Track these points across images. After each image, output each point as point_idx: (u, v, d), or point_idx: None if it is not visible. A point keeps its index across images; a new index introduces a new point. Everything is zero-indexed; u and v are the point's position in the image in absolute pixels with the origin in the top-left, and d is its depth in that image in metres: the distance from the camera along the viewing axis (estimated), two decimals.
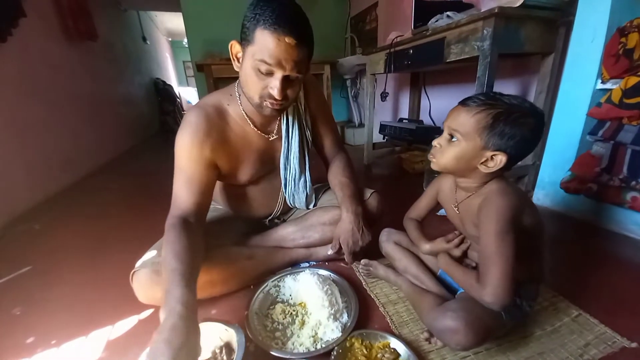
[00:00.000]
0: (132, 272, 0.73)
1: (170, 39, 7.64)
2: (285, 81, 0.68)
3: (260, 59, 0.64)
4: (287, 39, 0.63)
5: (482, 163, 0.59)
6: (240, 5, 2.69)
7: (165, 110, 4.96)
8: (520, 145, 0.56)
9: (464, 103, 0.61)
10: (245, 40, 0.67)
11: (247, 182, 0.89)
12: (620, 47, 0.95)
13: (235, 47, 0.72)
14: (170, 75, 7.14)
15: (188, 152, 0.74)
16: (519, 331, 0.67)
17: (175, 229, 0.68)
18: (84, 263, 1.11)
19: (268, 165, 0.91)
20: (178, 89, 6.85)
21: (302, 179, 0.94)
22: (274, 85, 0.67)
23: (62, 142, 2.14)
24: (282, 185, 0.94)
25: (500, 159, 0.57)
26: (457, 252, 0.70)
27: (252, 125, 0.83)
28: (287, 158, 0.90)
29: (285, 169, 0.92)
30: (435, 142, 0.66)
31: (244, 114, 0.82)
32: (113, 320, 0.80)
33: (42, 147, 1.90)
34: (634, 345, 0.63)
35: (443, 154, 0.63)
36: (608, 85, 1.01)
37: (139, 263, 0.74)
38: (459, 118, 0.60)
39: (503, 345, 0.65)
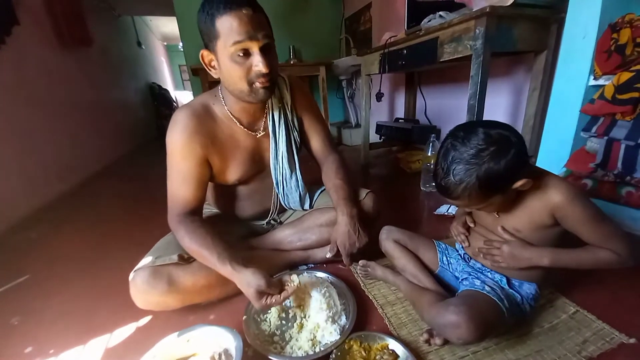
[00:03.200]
0: (130, 277, 0.73)
1: (165, 43, 7.63)
2: (264, 52, 0.69)
3: (232, 43, 0.66)
4: (244, 11, 0.65)
5: (513, 190, 0.58)
6: None
7: (162, 114, 4.96)
8: (514, 158, 0.53)
9: (447, 195, 0.60)
10: (211, 42, 0.69)
11: (238, 182, 0.90)
12: (612, 43, 0.95)
13: (206, 56, 0.73)
14: (167, 80, 7.13)
15: (180, 149, 0.76)
16: (517, 330, 0.67)
17: (186, 224, 0.74)
18: (81, 271, 1.10)
19: (258, 164, 0.91)
20: (174, 93, 6.85)
21: (294, 179, 0.95)
22: (257, 61, 0.68)
23: (59, 149, 2.14)
24: (275, 185, 0.95)
25: (520, 182, 0.56)
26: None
27: (238, 123, 0.84)
28: (276, 158, 0.92)
29: (276, 169, 0.93)
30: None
31: (230, 114, 0.83)
32: (111, 328, 0.80)
33: (40, 155, 1.90)
34: (632, 341, 0.63)
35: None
36: (601, 82, 1.02)
37: (136, 268, 0.74)
38: (463, 203, 0.61)
39: (501, 343, 0.65)
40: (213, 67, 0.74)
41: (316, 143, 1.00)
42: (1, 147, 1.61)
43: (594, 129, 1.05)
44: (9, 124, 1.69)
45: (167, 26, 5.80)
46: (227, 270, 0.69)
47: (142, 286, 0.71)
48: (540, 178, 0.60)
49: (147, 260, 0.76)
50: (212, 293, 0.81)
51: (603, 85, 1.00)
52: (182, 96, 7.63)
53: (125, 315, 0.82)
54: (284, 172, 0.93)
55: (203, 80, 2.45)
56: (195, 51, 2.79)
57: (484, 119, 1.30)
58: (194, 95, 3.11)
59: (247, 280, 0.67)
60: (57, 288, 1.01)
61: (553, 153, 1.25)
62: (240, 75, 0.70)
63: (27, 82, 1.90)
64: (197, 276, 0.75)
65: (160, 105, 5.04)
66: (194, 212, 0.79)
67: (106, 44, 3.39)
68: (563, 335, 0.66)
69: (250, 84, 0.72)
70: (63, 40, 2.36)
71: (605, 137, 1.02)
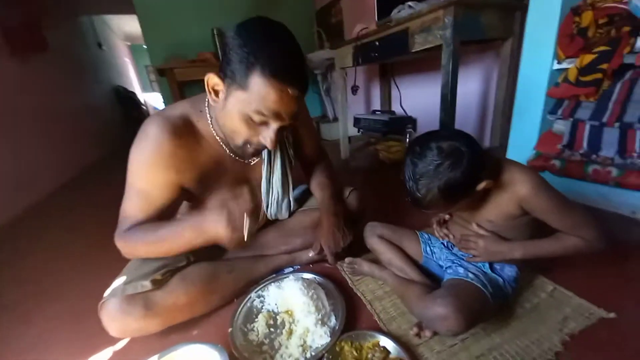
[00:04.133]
0: (100, 303, 0.66)
1: (129, 43, 7.22)
2: (279, 130, 0.61)
3: (256, 110, 0.57)
4: (290, 91, 0.56)
5: (477, 192, 0.60)
6: (199, 6, 2.60)
7: (131, 117, 4.72)
8: (468, 166, 0.56)
9: (417, 206, 0.62)
10: (232, 80, 0.58)
11: (217, 203, 0.78)
12: (575, 27, 0.99)
13: (213, 80, 0.61)
14: (133, 82, 6.77)
15: (147, 172, 0.65)
16: (502, 313, 0.69)
17: (126, 232, 0.67)
18: (53, 294, 1.02)
19: (242, 185, 0.83)
20: (143, 96, 6.53)
21: (285, 201, 0.89)
22: (268, 136, 0.61)
23: (19, 164, 1.98)
24: (264, 206, 0.88)
25: (482, 185, 0.58)
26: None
27: (227, 150, 0.74)
28: (269, 182, 0.84)
29: (268, 192, 0.85)
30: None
31: (217, 139, 0.71)
32: (87, 354, 0.74)
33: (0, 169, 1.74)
34: (612, 315, 0.65)
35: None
36: (564, 65, 1.06)
37: (107, 292, 0.67)
38: (434, 211, 0.66)
39: (488, 328, 0.66)
40: (215, 94, 0.62)
41: (308, 148, 0.95)
42: None
43: (559, 112, 1.09)
44: None
45: (129, 25, 5.47)
46: (189, 226, 0.64)
47: (116, 315, 0.63)
48: (504, 172, 0.63)
49: (120, 280, 0.69)
50: (195, 308, 0.75)
51: (567, 69, 1.04)
52: (151, 98, 7.30)
53: (101, 340, 0.75)
54: (276, 195, 0.86)
55: (170, 81, 2.33)
56: (160, 50, 2.67)
57: (456, 107, 1.33)
58: (163, 97, 2.96)
59: (214, 218, 0.61)
60: (27, 314, 0.93)
61: (523, 136, 1.29)
62: (240, 132, 0.62)
63: None
64: (176, 293, 0.69)
65: (129, 108, 4.79)
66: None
67: (63, 47, 3.15)
68: (544, 314, 0.68)
69: (246, 143, 0.65)
70: (13, 47, 2.16)
71: (571, 119, 1.06)
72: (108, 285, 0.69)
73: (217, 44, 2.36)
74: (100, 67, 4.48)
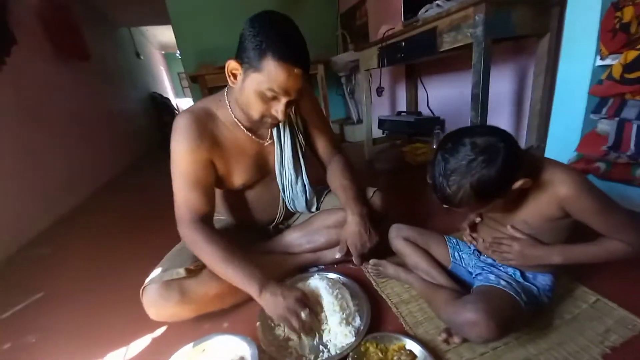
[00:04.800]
0: (141, 289, 0.73)
1: (163, 52, 7.67)
2: (288, 104, 0.72)
3: (268, 88, 0.67)
4: (295, 71, 0.66)
5: (513, 191, 0.57)
6: (227, 17, 2.72)
7: (164, 122, 5.00)
8: (504, 164, 0.53)
9: (447, 204, 0.60)
10: (247, 64, 0.68)
11: (243, 186, 0.89)
12: (616, 22, 0.92)
13: (232, 65, 0.71)
14: (167, 88, 7.17)
15: (186, 155, 0.75)
16: (538, 323, 0.66)
17: (202, 232, 0.74)
18: (95, 285, 1.12)
19: (262, 169, 0.91)
20: (175, 101, 6.89)
21: (300, 183, 0.93)
22: (279, 109, 0.71)
23: (64, 165, 2.16)
24: (281, 190, 0.94)
25: (518, 183, 0.55)
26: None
27: (244, 130, 0.84)
28: (281, 164, 0.90)
29: (281, 175, 0.91)
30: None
31: (235, 120, 0.82)
32: (127, 341, 0.80)
33: (45, 172, 1.92)
34: None
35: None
36: (607, 61, 0.99)
37: (147, 279, 0.74)
38: (465, 210, 0.62)
39: (521, 338, 0.63)
40: (234, 77, 0.73)
41: (321, 144, 0.99)
42: (11, 166, 1.63)
43: (604, 111, 1.02)
44: (15, 142, 1.71)
45: (164, 35, 5.82)
46: (249, 286, 0.71)
47: (155, 299, 0.71)
48: (544, 171, 0.59)
49: (157, 271, 0.76)
50: (224, 301, 0.80)
51: (610, 65, 0.97)
52: (183, 103, 7.68)
53: (140, 327, 0.82)
54: (289, 177, 0.92)
55: (202, 87, 2.45)
56: (193, 58, 2.81)
57: (488, 107, 1.28)
58: (194, 101, 3.12)
59: (270, 307, 0.69)
60: (71, 303, 1.02)
61: (563, 138, 1.22)
62: (256, 108, 0.72)
63: (29, 100, 1.92)
64: (208, 286, 0.75)
65: (162, 114, 5.08)
66: (206, 219, 0.78)
67: (104, 57, 3.41)
68: (584, 326, 0.64)
69: (262, 117, 0.74)
70: (61, 56, 2.38)
71: (616, 118, 0.99)
72: (146, 276, 0.75)
73: None
74: (138, 75, 4.80)
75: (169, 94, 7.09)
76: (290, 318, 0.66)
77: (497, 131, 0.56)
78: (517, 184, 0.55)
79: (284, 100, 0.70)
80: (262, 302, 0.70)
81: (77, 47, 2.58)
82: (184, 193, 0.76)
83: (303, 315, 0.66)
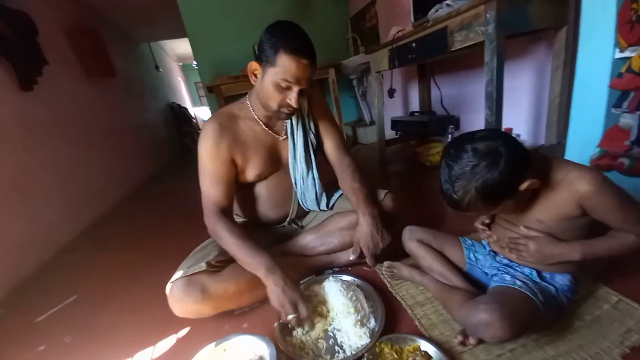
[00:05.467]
0: (167, 286, 0.79)
1: (180, 63, 7.96)
2: (299, 93, 0.82)
3: (283, 78, 0.78)
4: (304, 61, 0.77)
5: (522, 192, 0.57)
6: (241, 29, 2.81)
7: (183, 131, 5.18)
8: (506, 167, 0.53)
9: (457, 209, 0.61)
10: (264, 61, 0.80)
11: (258, 177, 0.95)
12: (633, 13, 0.89)
13: (253, 65, 0.83)
14: (184, 98, 7.43)
15: (210, 153, 0.86)
16: (557, 324, 0.64)
17: (222, 222, 0.83)
18: (123, 287, 1.19)
19: (276, 162, 0.98)
20: (193, 110, 7.12)
21: (310, 177, 0.99)
22: (292, 97, 0.81)
23: (93, 175, 2.30)
24: (293, 183, 1.00)
25: (526, 184, 0.55)
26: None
27: (262, 124, 0.94)
28: (294, 158, 0.98)
29: (294, 167, 0.98)
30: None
31: (255, 116, 0.94)
32: (154, 340, 0.85)
33: (76, 182, 2.05)
34: None
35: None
36: (627, 54, 0.95)
37: (172, 280, 0.80)
38: (475, 213, 0.65)
39: (540, 340, 0.62)
40: (255, 76, 0.85)
41: (330, 146, 1.03)
42: (46, 179, 1.76)
43: (625, 104, 0.98)
44: (49, 157, 1.84)
45: (180, 47, 6.05)
46: (257, 269, 0.78)
47: (179, 295, 0.77)
48: (556, 170, 0.59)
49: (180, 272, 0.81)
50: (243, 299, 0.85)
51: (630, 58, 0.94)
52: (200, 112, 7.93)
53: (165, 327, 0.87)
54: (301, 170, 0.98)
55: (218, 96, 2.54)
56: (209, 69, 2.92)
57: (505, 103, 1.25)
58: (211, 110, 3.23)
59: (272, 295, 0.75)
60: (103, 305, 1.09)
61: (584, 133, 1.18)
62: (274, 98, 0.82)
63: (61, 116, 2.06)
64: (227, 283, 0.81)
65: (181, 123, 5.26)
66: (226, 211, 0.87)
67: (128, 72, 3.60)
68: (606, 327, 0.62)
69: (280, 107, 0.84)
70: (90, 73, 2.55)
71: (639, 112, 0.95)
72: (170, 278, 0.80)
73: None
74: (158, 87, 5.01)
75: (187, 103, 7.34)
76: (281, 311, 0.73)
77: (498, 135, 0.57)
78: (524, 185, 0.56)
79: (295, 88, 0.80)
80: (266, 285, 0.77)
81: (104, 65, 2.75)
82: (208, 187, 0.87)
83: (290, 317, 0.71)
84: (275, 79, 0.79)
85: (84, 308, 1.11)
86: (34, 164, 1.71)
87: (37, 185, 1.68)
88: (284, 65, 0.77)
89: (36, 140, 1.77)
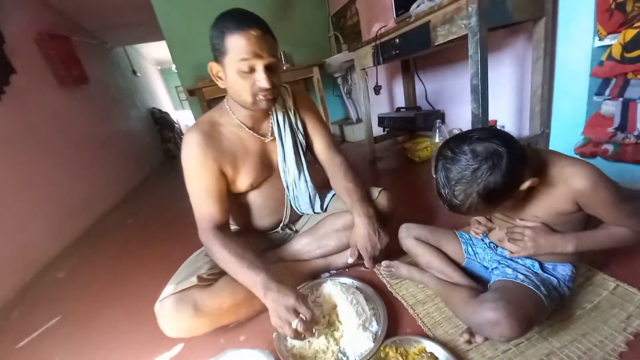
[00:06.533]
0: (157, 303, 0.74)
1: (159, 67, 7.74)
2: (268, 70, 0.74)
3: (240, 59, 0.71)
4: (252, 32, 0.70)
5: (522, 191, 0.57)
6: None
7: (166, 137, 5.03)
8: (508, 168, 0.52)
9: (456, 212, 0.59)
10: (220, 56, 0.74)
11: (250, 186, 0.91)
12: (612, 1, 0.91)
13: (214, 67, 0.78)
14: (165, 102, 7.23)
15: (196, 167, 0.81)
16: (559, 314, 0.65)
17: (217, 239, 0.77)
18: (110, 305, 1.12)
19: (267, 168, 0.93)
20: (175, 114, 6.94)
21: (302, 179, 0.95)
22: (260, 77, 0.73)
23: (74, 188, 2.19)
24: (285, 188, 0.96)
25: (526, 184, 0.55)
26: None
27: (246, 128, 0.88)
28: (284, 161, 0.93)
29: (284, 171, 0.94)
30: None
31: (238, 121, 0.87)
32: (146, 358, 0.80)
33: (56, 196, 1.95)
34: None
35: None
36: (606, 42, 0.97)
37: (160, 298, 0.74)
38: (475, 215, 0.66)
39: (544, 331, 0.62)
40: (220, 78, 0.79)
41: (319, 145, 1.00)
42: (23, 195, 1.66)
43: (607, 92, 1.00)
44: (24, 170, 1.74)
45: (158, 51, 5.86)
46: (255, 289, 0.71)
47: (170, 314, 0.71)
48: (551, 166, 0.59)
49: (169, 288, 0.76)
50: (240, 313, 0.81)
51: (610, 45, 0.96)
52: (182, 116, 7.73)
53: (157, 346, 0.82)
54: (292, 174, 0.94)
55: (200, 99, 2.47)
56: (188, 72, 2.83)
57: (489, 96, 1.26)
58: (194, 114, 3.14)
59: (271, 311, 0.68)
60: (89, 325, 1.03)
61: (567, 122, 1.20)
62: (245, 88, 0.75)
63: (33, 127, 1.95)
64: (222, 297, 0.76)
65: (163, 129, 5.11)
66: (222, 226, 0.82)
67: (103, 78, 3.45)
68: (607, 314, 0.63)
69: (254, 96, 0.77)
70: (62, 81, 2.41)
71: (621, 99, 0.97)
72: (159, 294, 0.75)
73: None
74: (136, 92, 4.84)
75: (168, 107, 7.14)
76: (283, 326, 0.65)
77: (496, 134, 0.55)
78: (526, 185, 0.55)
79: (259, 66, 0.72)
80: (266, 305, 0.70)
81: (75, 71, 2.62)
82: (200, 204, 0.82)
83: (294, 324, 0.64)
84: (235, 66, 0.72)
85: (70, 329, 1.04)
86: (9, 179, 1.61)
87: (13, 202, 1.59)
88: (235, 46, 0.70)
89: (10, 152, 1.67)
